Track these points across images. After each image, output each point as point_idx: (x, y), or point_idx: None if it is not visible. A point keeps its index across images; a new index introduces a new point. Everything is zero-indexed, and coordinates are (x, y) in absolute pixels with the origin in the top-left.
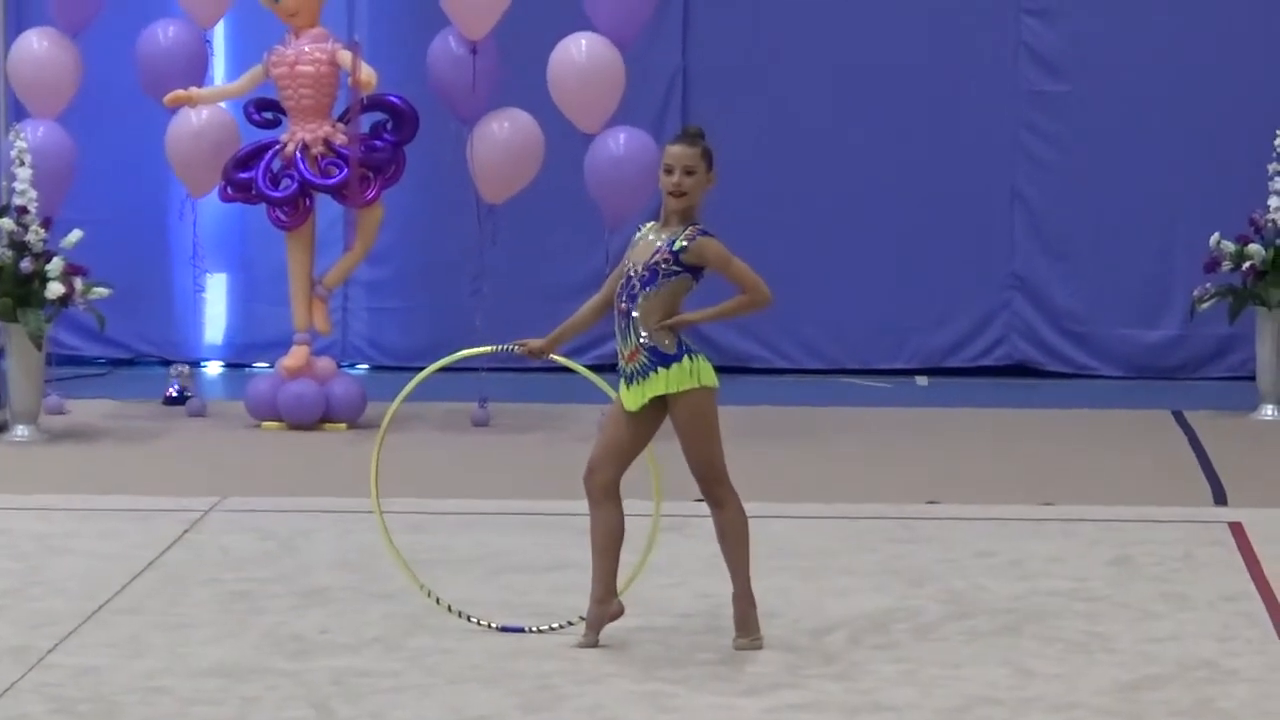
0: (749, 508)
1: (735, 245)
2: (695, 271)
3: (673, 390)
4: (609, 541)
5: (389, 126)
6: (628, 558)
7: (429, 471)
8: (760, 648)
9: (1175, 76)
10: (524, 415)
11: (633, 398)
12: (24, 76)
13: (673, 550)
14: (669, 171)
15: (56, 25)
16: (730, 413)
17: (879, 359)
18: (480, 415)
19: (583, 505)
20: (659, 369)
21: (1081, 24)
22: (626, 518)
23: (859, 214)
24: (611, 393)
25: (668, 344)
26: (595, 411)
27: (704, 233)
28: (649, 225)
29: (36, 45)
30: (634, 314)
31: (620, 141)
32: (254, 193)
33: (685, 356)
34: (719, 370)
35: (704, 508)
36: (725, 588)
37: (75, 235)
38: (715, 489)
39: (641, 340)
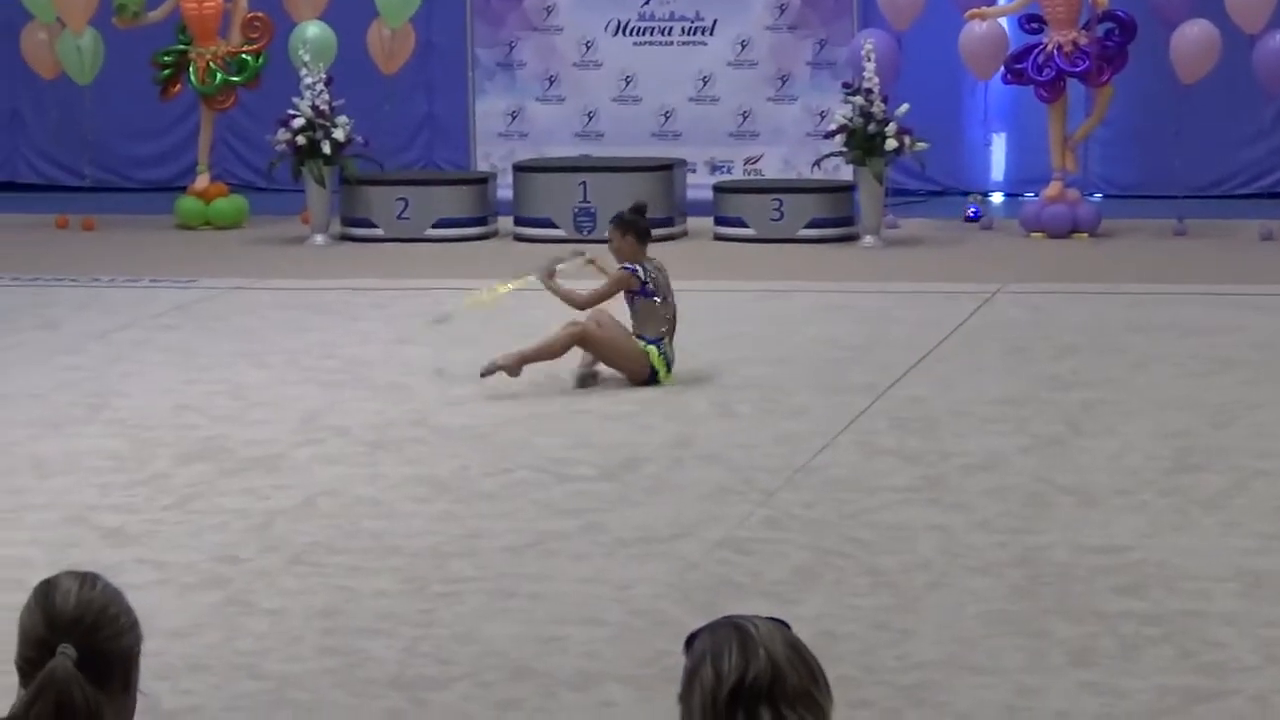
0: None
1: None
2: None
3: None
4: None
5: (1116, 32)
6: None
7: (1141, 266)
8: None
9: None
10: (1219, 229)
11: None
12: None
13: None
14: None
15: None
16: None
17: None
18: (1179, 227)
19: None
20: None
21: None
22: None
23: None
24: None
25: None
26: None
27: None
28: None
29: None
30: None
31: (1276, 38)
32: (1026, 78)
33: (654, 345)
34: None
35: None
36: None
37: (904, 108)
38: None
39: None
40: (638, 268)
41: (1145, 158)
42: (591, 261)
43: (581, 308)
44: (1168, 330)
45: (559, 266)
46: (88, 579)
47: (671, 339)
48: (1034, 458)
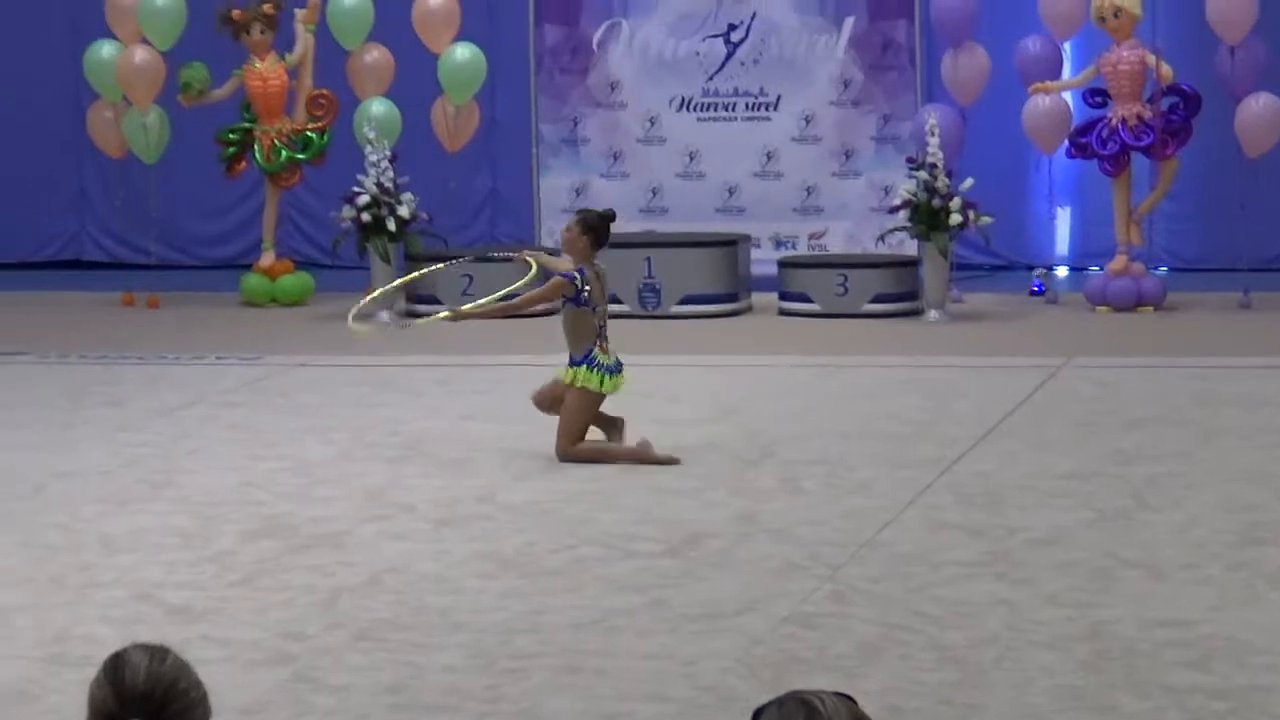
0: None
1: None
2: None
3: (567, 381)
4: None
5: (1181, 106)
6: None
7: (1207, 340)
8: None
9: None
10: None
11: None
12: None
13: None
14: None
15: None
16: None
17: None
18: (1244, 300)
19: None
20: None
21: None
22: None
23: None
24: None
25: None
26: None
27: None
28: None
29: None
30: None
31: None
32: (1090, 152)
33: (584, 365)
34: None
35: None
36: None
37: (969, 182)
38: (559, 439)
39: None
40: (576, 276)
41: (1210, 231)
42: (529, 263)
43: (520, 309)
44: (1234, 404)
45: (506, 290)
46: (157, 653)
47: (603, 346)
48: (1100, 532)
